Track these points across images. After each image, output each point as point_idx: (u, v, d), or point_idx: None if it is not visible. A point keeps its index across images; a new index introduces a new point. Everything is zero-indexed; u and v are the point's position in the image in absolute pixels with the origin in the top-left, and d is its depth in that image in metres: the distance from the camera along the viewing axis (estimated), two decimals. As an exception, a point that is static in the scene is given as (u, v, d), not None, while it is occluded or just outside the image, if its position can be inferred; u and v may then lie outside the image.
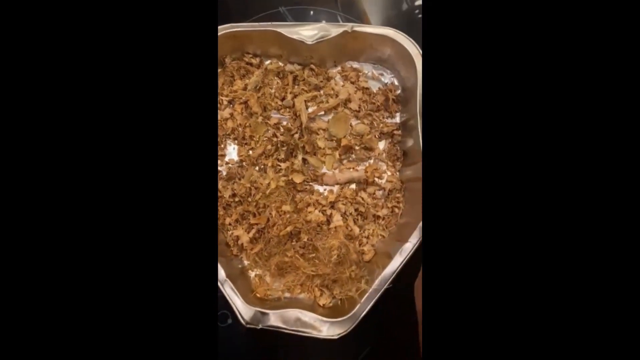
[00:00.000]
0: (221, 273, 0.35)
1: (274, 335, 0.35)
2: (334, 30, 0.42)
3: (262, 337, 0.36)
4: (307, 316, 0.34)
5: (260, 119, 0.44)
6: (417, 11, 0.54)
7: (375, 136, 0.44)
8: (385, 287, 0.35)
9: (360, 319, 0.34)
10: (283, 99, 0.45)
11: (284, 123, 0.45)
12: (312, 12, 0.53)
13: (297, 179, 0.42)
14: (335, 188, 0.44)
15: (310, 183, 0.44)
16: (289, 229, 0.39)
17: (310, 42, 0.42)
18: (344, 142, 0.43)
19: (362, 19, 0.53)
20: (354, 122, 0.45)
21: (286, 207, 0.40)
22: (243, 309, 0.34)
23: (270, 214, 0.40)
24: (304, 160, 0.43)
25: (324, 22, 0.45)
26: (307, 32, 0.42)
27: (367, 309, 0.35)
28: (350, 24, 0.43)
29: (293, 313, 0.34)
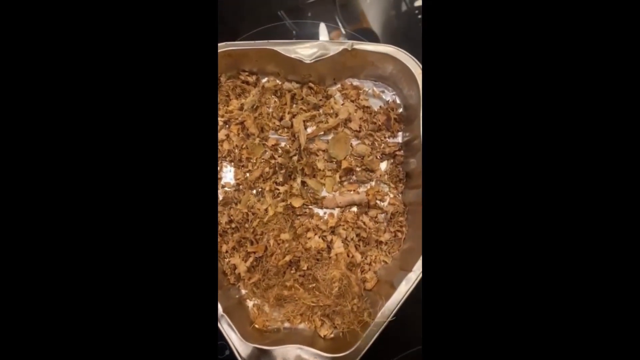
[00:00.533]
0: (218, 307, 0.34)
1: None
2: (333, 48, 0.41)
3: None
4: (308, 353, 0.33)
5: (257, 140, 0.43)
6: (416, 12, 0.52)
7: (376, 157, 0.43)
8: (388, 319, 0.34)
9: (362, 354, 0.33)
10: (281, 119, 0.44)
11: (282, 144, 0.43)
12: (310, 14, 0.52)
13: (296, 203, 0.41)
14: (336, 211, 0.42)
15: (310, 206, 0.42)
16: (287, 258, 0.37)
17: (308, 61, 0.40)
18: (344, 165, 0.42)
19: (360, 19, 0.51)
20: (354, 142, 0.44)
21: (285, 236, 0.38)
22: (240, 346, 0.33)
23: (268, 242, 0.38)
24: (303, 183, 0.42)
25: (322, 39, 0.43)
26: (305, 51, 0.41)
27: (369, 344, 0.33)
28: (350, 42, 0.41)
29: (293, 351, 0.33)
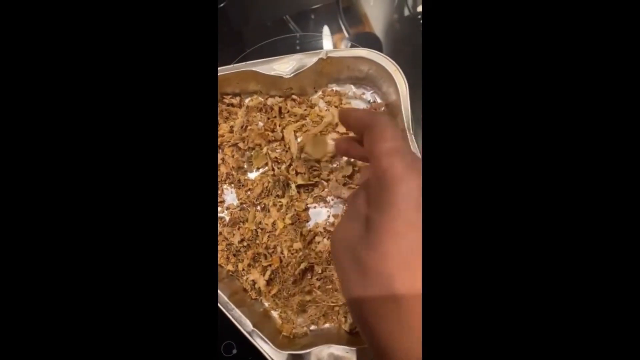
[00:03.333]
0: (247, 324, 0.36)
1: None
2: (309, 60, 0.43)
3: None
4: (339, 349, 0.35)
5: (264, 150, 0.44)
6: (419, 17, 0.54)
7: (368, 155, 0.45)
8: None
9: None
10: (273, 131, 0.45)
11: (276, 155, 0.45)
12: (313, 17, 0.54)
13: (300, 206, 0.42)
14: (340, 210, 0.44)
15: (316, 207, 0.44)
16: (303, 266, 0.39)
17: (287, 76, 0.42)
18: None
19: (362, 22, 0.53)
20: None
21: (297, 245, 0.40)
22: (275, 355, 0.35)
23: (282, 253, 0.40)
24: (298, 190, 0.43)
25: (326, 47, 0.45)
26: (283, 66, 0.43)
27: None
28: (324, 50, 0.43)
29: (325, 350, 0.35)
